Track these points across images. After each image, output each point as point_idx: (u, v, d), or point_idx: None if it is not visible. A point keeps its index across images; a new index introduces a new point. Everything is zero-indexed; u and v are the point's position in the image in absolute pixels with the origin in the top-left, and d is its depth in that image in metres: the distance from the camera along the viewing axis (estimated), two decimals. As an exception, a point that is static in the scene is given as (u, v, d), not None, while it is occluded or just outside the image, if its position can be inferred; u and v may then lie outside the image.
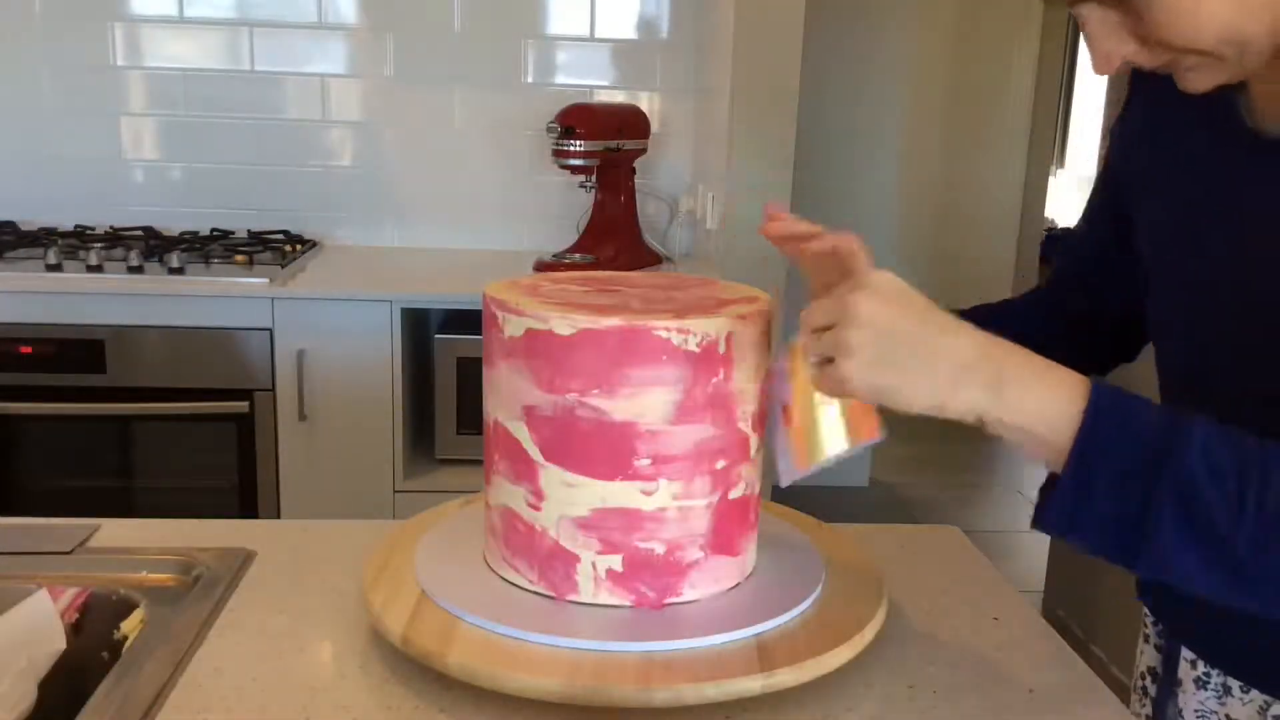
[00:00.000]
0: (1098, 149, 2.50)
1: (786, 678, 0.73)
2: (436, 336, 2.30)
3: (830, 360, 0.69)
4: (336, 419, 2.22)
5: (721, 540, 0.82)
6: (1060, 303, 1.02)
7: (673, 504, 0.79)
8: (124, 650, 0.83)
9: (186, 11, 2.61)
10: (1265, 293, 0.76)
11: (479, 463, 0.88)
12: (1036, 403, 0.67)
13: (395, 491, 2.28)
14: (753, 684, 0.72)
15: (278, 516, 2.21)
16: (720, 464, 0.80)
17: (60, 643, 0.88)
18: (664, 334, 0.75)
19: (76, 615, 0.91)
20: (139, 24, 2.61)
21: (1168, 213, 0.86)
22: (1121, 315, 0.97)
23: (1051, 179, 5.14)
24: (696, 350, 0.76)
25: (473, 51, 2.68)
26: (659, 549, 0.79)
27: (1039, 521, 0.69)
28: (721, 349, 0.77)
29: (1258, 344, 0.78)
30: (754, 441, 0.82)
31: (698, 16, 2.70)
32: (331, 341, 2.19)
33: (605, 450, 0.77)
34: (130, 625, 0.88)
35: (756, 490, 0.85)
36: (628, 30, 2.72)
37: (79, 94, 2.63)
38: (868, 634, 0.79)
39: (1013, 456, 4.04)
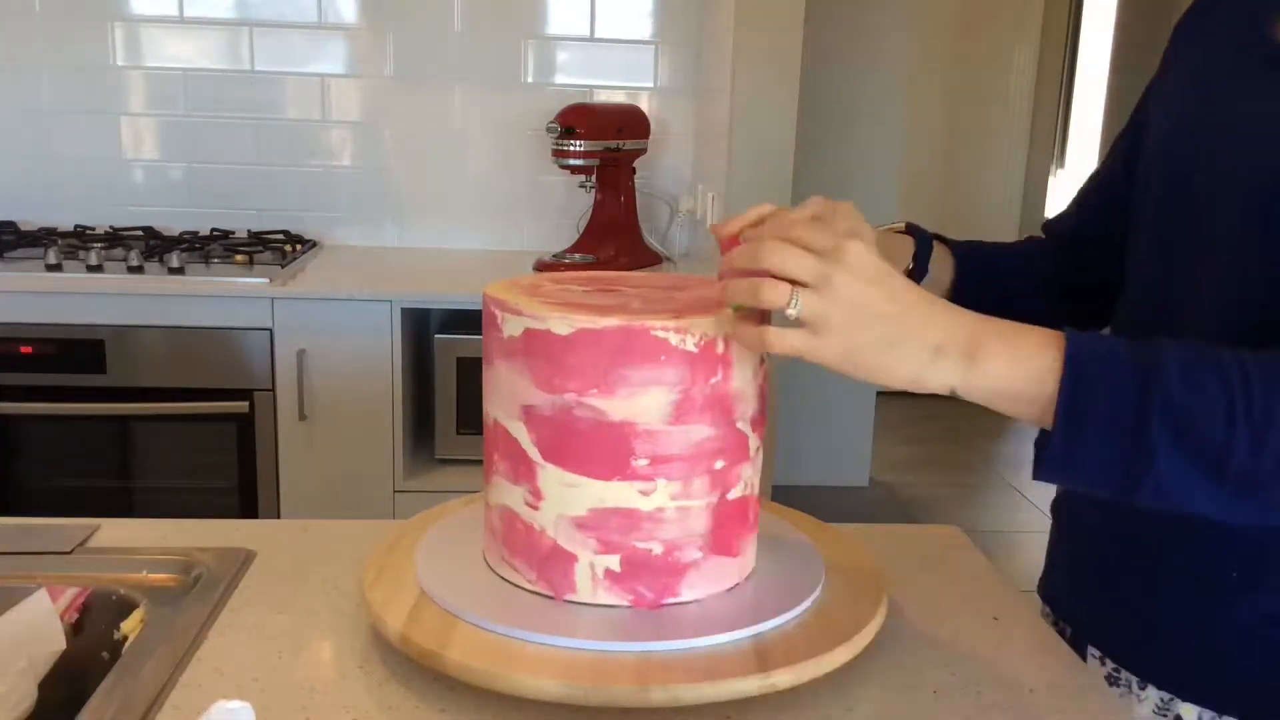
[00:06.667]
0: (1098, 149, 2.49)
1: (783, 678, 0.73)
2: (436, 336, 2.30)
3: (800, 324, 0.70)
4: (336, 419, 2.22)
5: (720, 541, 0.82)
6: (1055, 250, 1.06)
7: (671, 504, 0.79)
8: (124, 650, 0.83)
9: (186, 11, 2.61)
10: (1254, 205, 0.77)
11: (479, 463, 0.88)
12: (1011, 365, 0.69)
13: (395, 491, 2.28)
14: (749, 684, 0.72)
15: (278, 516, 2.21)
16: (719, 464, 0.80)
17: (60, 643, 0.88)
18: (661, 334, 0.75)
19: (76, 615, 0.91)
20: (139, 24, 2.61)
21: (1173, 120, 0.87)
22: (1108, 265, 0.98)
23: (1051, 179, 5.14)
24: (695, 350, 0.76)
25: (473, 51, 2.69)
26: (657, 549, 0.79)
27: (1039, 472, 0.70)
28: (720, 348, 0.77)
29: (1240, 265, 0.79)
30: (753, 442, 0.82)
31: (698, 16, 2.70)
32: (331, 341, 2.19)
33: (603, 450, 0.77)
34: (130, 625, 0.88)
35: (756, 491, 0.85)
36: (628, 30, 2.72)
37: (79, 94, 2.63)
38: (868, 634, 0.79)
39: (1012, 456, 4.04)
